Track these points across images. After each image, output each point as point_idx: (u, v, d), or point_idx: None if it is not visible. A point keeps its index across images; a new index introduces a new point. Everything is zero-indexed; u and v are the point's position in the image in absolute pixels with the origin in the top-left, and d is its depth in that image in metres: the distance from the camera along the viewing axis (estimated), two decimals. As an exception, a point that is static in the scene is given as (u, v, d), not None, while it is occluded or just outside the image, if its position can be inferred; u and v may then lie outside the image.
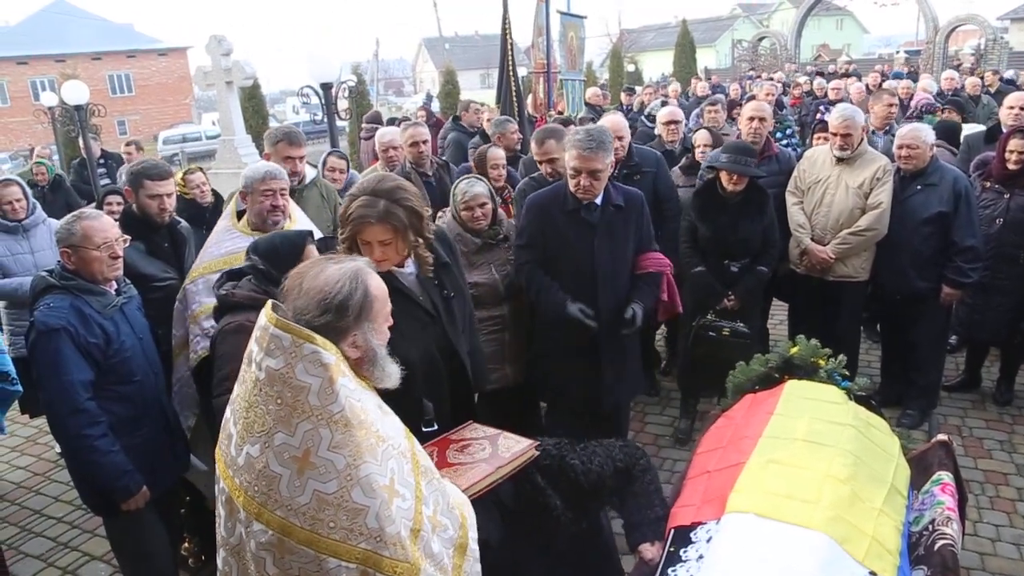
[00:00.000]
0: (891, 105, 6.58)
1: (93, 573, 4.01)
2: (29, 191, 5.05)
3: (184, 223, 4.01)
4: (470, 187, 3.85)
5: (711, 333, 4.53)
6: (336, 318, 1.78)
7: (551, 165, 4.37)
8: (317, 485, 1.67)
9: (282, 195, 3.54)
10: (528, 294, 3.78)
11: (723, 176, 4.44)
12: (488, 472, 2.17)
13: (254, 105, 19.96)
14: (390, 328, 2.07)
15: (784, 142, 6.69)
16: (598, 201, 3.62)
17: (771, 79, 16.02)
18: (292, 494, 1.68)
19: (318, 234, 3.68)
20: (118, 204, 5.33)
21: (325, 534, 1.66)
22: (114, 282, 3.12)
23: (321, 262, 1.90)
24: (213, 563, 3.76)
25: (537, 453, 2.32)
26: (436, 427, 2.56)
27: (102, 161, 10.02)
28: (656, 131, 6.46)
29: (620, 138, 4.98)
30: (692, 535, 2.19)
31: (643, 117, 9.13)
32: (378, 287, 1.90)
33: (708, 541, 2.12)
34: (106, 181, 9.47)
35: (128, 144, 8.01)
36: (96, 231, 2.96)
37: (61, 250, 2.99)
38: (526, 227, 3.75)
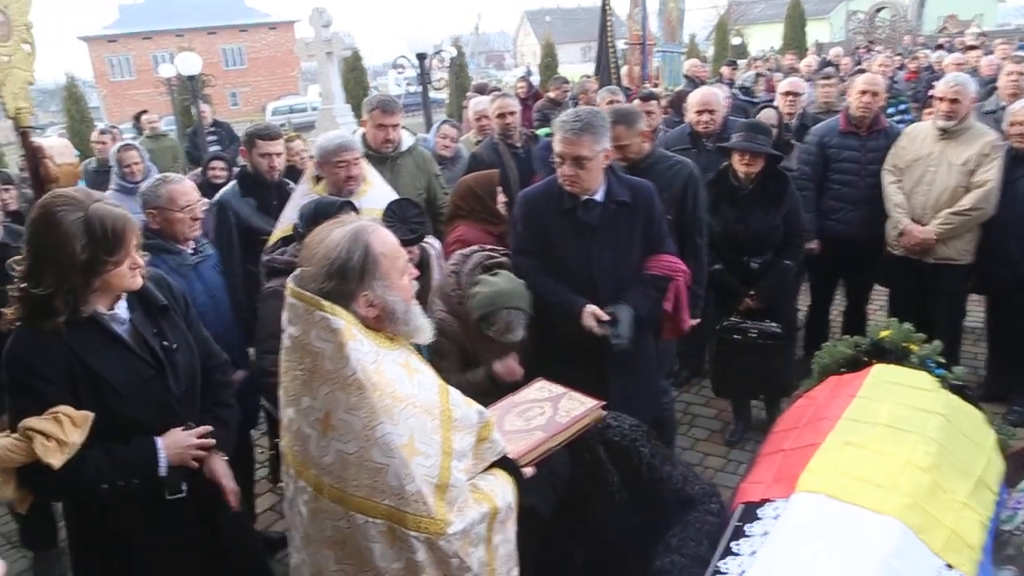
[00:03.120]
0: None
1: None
2: (147, 155, 5.40)
3: (292, 184, 4.23)
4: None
5: (736, 336, 4.14)
6: (340, 282, 1.80)
7: (620, 152, 3.83)
8: (339, 446, 1.74)
9: (355, 165, 3.66)
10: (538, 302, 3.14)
11: (735, 159, 4.06)
12: (542, 440, 2.14)
13: (356, 76, 20.40)
14: (114, 381, 2.10)
15: (897, 118, 6.33)
16: (598, 197, 3.12)
17: (876, 50, 15.06)
18: (320, 454, 1.77)
19: (393, 197, 3.77)
20: (221, 168, 5.72)
21: (351, 492, 1.74)
22: (192, 242, 3.33)
23: (328, 227, 1.92)
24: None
25: (603, 414, 2.30)
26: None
27: (213, 129, 10.53)
28: (757, 101, 6.23)
29: (711, 112, 4.81)
30: (759, 511, 2.16)
31: (735, 89, 8.82)
32: (383, 243, 1.88)
33: (775, 518, 2.08)
34: (216, 148, 9.95)
35: (102, 133, 7.41)
36: (180, 194, 3.16)
37: (146, 211, 3.19)
38: (521, 231, 3.27)
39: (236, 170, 6.37)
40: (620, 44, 10.78)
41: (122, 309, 2.27)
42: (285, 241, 3.21)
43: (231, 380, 2.68)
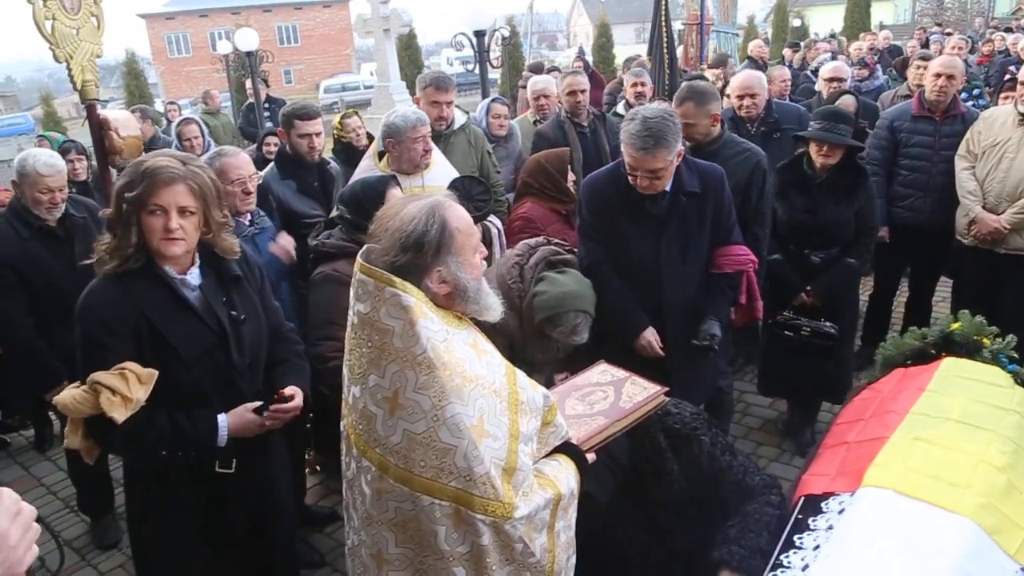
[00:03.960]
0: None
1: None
2: (206, 129, 5.49)
3: (333, 163, 4.21)
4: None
5: (787, 332, 3.94)
6: (415, 256, 1.77)
7: (685, 131, 3.68)
8: (407, 425, 1.71)
9: (426, 139, 3.68)
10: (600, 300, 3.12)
11: (813, 149, 3.85)
12: (604, 426, 2.10)
13: (410, 55, 20.49)
14: (179, 346, 2.13)
15: (969, 103, 6.06)
16: (666, 187, 3.05)
17: (945, 32, 14.47)
18: (386, 433, 1.73)
19: (455, 174, 3.77)
20: (275, 144, 5.74)
21: (417, 472, 1.70)
22: (248, 215, 3.37)
23: (402, 201, 1.90)
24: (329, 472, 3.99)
25: (666, 400, 2.26)
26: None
27: (267, 105, 10.67)
28: (816, 87, 6.05)
29: (752, 95, 4.62)
30: (823, 505, 2.09)
31: (808, 72, 8.57)
32: (459, 218, 1.85)
33: (840, 513, 2.01)
34: (270, 124, 10.08)
35: (169, 104, 7.84)
36: (232, 168, 3.19)
37: None
38: (587, 217, 3.26)
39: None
40: (676, 25, 10.57)
41: (194, 275, 2.31)
42: (327, 225, 3.19)
43: (301, 343, 2.70)
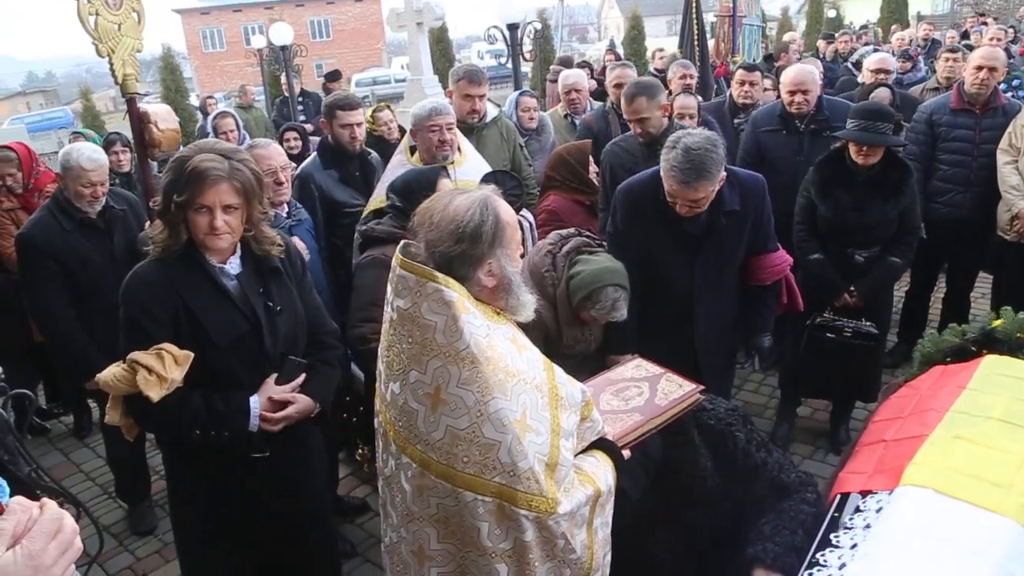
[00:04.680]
0: None
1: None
2: (241, 122, 5.58)
3: (374, 154, 4.25)
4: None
5: (829, 334, 3.82)
6: (470, 246, 1.77)
7: (641, 126, 3.83)
8: (450, 421, 1.70)
9: (448, 130, 3.63)
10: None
11: (852, 149, 3.72)
12: (639, 423, 2.09)
13: (441, 48, 20.51)
14: (213, 331, 2.17)
15: (1009, 94, 5.91)
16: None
17: (986, 22, 14.10)
18: (428, 429, 1.73)
19: (488, 168, 3.77)
20: (295, 139, 5.92)
21: (460, 468, 1.70)
22: (285, 206, 3.40)
23: (448, 194, 1.89)
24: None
25: (701, 398, 2.24)
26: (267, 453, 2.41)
27: (300, 99, 10.77)
28: (860, 79, 5.91)
29: (805, 92, 4.45)
30: (860, 503, 2.07)
31: (849, 63, 8.38)
32: (508, 212, 1.86)
33: (878, 511, 1.99)
34: (303, 118, 10.18)
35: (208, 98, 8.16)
36: (263, 159, 3.23)
37: None
38: (620, 226, 3.17)
39: (313, 140, 6.57)
40: (708, 17, 10.46)
41: (233, 265, 2.37)
42: (376, 214, 3.20)
43: (339, 347, 2.72)
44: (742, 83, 5.39)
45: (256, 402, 2.34)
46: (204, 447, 2.34)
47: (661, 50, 9.62)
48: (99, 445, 4.71)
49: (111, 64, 3.85)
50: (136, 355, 2.19)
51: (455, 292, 1.72)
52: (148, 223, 3.80)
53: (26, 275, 3.67)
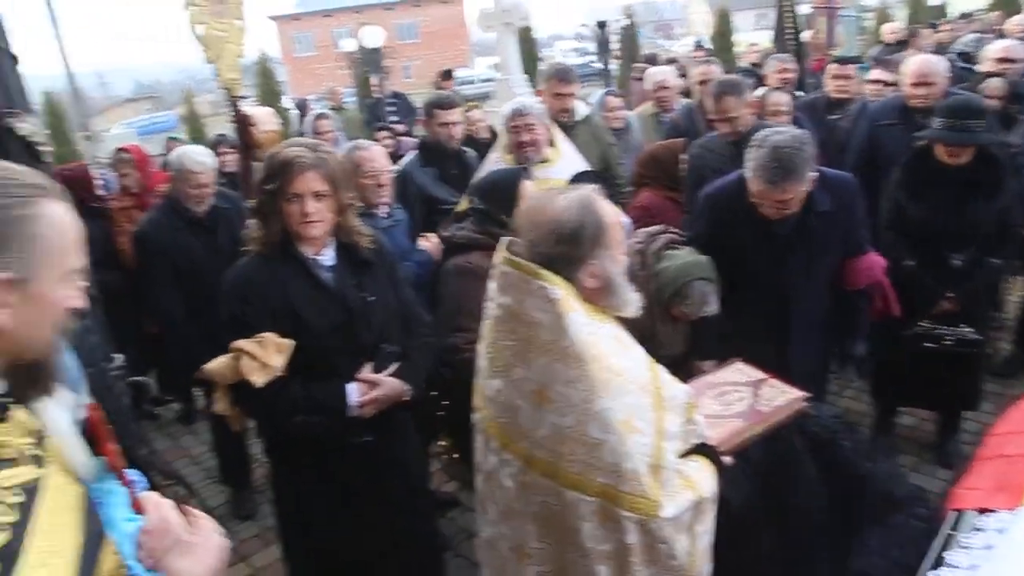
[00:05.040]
0: None
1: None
2: (337, 125, 5.77)
3: (471, 152, 4.31)
4: None
5: (929, 344, 3.58)
6: (570, 248, 1.76)
7: (729, 125, 3.76)
8: (554, 419, 1.69)
9: (529, 130, 3.64)
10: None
11: (939, 148, 3.46)
12: (741, 429, 2.06)
13: (526, 48, 20.56)
14: (311, 321, 2.18)
15: None
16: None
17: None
18: (533, 427, 1.73)
19: (584, 167, 3.75)
20: (387, 139, 6.11)
21: (564, 467, 1.69)
22: (384, 207, 3.47)
23: (549, 194, 1.88)
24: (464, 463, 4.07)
25: (805, 405, 2.17)
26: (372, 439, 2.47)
27: (391, 100, 11.00)
28: (977, 70, 5.52)
29: (929, 84, 4.13)
30: (978, 521, 1.95)
31: (953, 54, 7.90)
32: (610, 213, 1.84)
33: (1001, 532, 1.87)
34: (394, 118, 10.38)
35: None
36: (365, 160, 3.32)
37: None
38: (706, 229, 3.10)
39: (403, 140, 6.71)
40: (804, 9, 10.10)
41: (328, 256, 2.44)
42: (456, 218, 3.19)
43: (431, 338, 2.75)
44: (836, 77, 5.18)
45: (353, 389, 2.40)
46: (303, 437, 2.41)
47: (755, 44, 9.36)
48: (204, 432, 4.93)
49: (217, 70, 4.03)
50: (239, 342, 2.29)
51: (560, 289, 1.72)
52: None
53: (141, 269, 3.89)
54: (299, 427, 2.39)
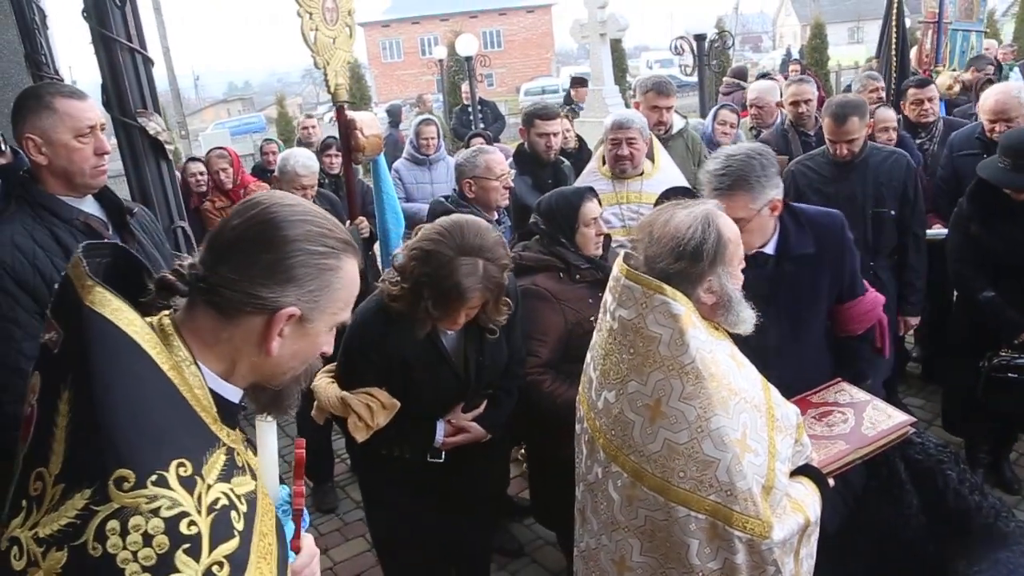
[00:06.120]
0: None
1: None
2: (441, 130, 5.86)
3: (567, 163, 4.35)
4: None
5: (1012, 374, 3.37)
6: (691, 264, 1.75)
7: (849, 147, 3.61)
8: (668, 434, 1.69)
9: (629, 143, 3.57)
10: None
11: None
12: (845, 453, 2.01)
13: (615, 58, 20.52)
14: (423, 387, 2.12)
15: None
16: (769, 250, 2.48)
17: None
18: (644, 441, 1.73)
19: (682, 182, 3.72)
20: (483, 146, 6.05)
21: (675, 483, 1.69)
22: (496, 211, 3.52)
23: (669, 208, 1.87)
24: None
25: (911, 431, 2.10)
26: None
27: (480, 107, 11.17)
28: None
29: (1009, 120, 3.90)
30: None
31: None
32: (730, 229, 1.83)
33: None
34: (481, 126, 10.52)
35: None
36: (496, 163, 3.39)
37: (464, 181, 3.41)
38: None
39: (499, 148, 6.76)
40: (910, 23, 9.75)
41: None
42: (521, 236, 3.13)
43: (522, 374, 2.71)
44: (914, 103, 4.84)
45: (441, 428, 2.45)
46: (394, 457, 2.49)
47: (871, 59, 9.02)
48: (288, 425, 5.08)
49: (325, 75, 4.16)
50: (349, 398, 2.32)
51: (682, 306, 1.72)
52: (348, 222, 4.06)
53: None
54: (387, 450, 2.46)
